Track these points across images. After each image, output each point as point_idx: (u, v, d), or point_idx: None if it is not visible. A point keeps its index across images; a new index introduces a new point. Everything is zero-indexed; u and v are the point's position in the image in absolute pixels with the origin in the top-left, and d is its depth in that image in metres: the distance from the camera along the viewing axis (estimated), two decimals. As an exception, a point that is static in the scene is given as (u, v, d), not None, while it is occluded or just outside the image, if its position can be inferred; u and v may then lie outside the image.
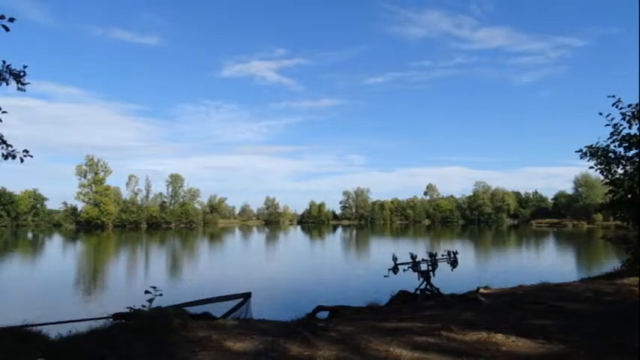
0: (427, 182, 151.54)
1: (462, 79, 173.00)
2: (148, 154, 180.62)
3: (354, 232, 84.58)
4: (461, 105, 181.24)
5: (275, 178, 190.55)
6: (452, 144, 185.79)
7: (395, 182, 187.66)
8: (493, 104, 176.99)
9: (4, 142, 5.15)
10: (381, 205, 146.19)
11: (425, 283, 8.84)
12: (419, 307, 7.70)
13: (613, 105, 9.64)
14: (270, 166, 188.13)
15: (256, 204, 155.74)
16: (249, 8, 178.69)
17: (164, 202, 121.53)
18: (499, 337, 5.15)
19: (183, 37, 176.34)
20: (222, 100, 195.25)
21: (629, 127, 9.59)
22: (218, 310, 7.74)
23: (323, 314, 7.95)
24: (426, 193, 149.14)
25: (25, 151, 5.27)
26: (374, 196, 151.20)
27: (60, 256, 35.84)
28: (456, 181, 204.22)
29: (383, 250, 37.48)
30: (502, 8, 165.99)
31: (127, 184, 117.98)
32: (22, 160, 5.20)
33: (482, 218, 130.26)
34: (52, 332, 5.44)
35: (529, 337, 5.08)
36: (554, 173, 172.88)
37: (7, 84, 5.29)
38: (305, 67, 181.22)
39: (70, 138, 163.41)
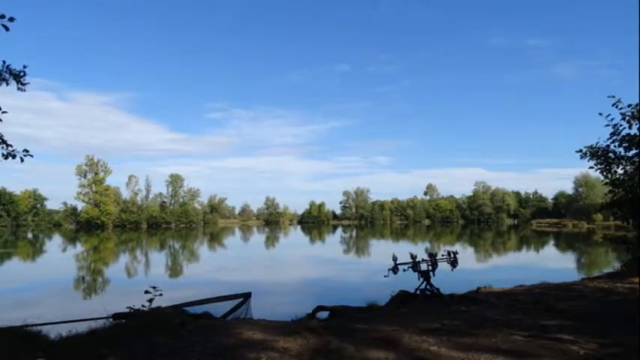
0: (444, 184, 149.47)
1: (499, 84, 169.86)
2: (172, 156, 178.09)
3: (354, 232, 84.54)
4: (489, 108, 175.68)
5: (296, 180, 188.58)
6: (469, 146, 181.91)
7: (413, 184, 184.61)
8: (521, 106, 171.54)
9: (4, 142, 5.14)
10: (381, 205, 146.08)
11: (425, 283, 8.84)
12: (424, 307, 7.71)
13: (613, 105, 9.64)
14: (292, 167, 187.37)
15: (256, 204, 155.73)
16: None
17: (164, 202, 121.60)
18: (500, 336, 5.15)
19: (248, 43, 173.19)
20: (276, 104, 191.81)
21: (629, 128, 9.59)
22: (218, 310, 7.74)
23: (323, 314, 7.94)
24: (426, 193, 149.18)
25: (25, 150, 5.27)
26: (390, 197, 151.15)
27: (60, 256, 35.82)
28: (468, 183, 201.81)
29: (383, 250, 37.46)
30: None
31: (127, 184, 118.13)
32: (22, 160, 5.20)
33: (482, 218, 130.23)
34: (52, 332, 5.44)
35: (531, 337, 5.08)
36: (572, 174, 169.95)
37: (7, 84, 5.28)
38: (365, 71, 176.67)
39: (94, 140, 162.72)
